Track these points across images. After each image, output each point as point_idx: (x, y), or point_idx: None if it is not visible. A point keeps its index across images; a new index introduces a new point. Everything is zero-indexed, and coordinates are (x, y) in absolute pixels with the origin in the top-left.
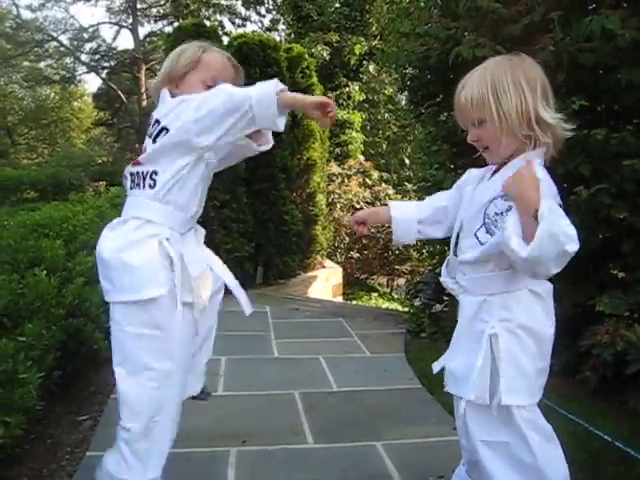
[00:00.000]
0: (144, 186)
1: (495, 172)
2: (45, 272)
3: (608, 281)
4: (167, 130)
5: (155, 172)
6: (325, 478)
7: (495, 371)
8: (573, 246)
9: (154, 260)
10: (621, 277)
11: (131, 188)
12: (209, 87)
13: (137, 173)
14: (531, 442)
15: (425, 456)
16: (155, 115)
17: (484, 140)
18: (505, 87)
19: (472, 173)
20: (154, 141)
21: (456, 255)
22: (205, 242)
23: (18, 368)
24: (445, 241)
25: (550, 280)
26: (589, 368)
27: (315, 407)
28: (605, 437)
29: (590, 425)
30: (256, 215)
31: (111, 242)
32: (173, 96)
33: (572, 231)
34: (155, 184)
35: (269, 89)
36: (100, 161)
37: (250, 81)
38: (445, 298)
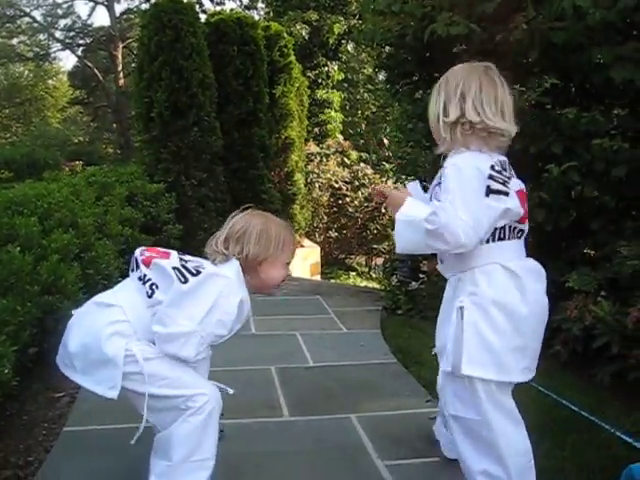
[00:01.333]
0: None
1: None
2: (19, 249)
3: (579, 258)
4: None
5: (156, 285)
6: (300, 449)
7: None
8: (430, 224)
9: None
10: (591, 254)
11: (132, 270)
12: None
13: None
14: (491, 419)
15: (398, 427)
16: (206, 267)
17: None
18: (437, 89)
19: None
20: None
21: None
22: (183, 221)
23: None
24: None
25: (539, 260)
26: (560, 343)
27: (291, 381)
28: (572, 407)
29: (558, 397)
30: (234, 194)
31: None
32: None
33: (431, 214)
34: (152, 295)
35: None
36: (76, 141)
37: (227, 59)
38: (421, 276)
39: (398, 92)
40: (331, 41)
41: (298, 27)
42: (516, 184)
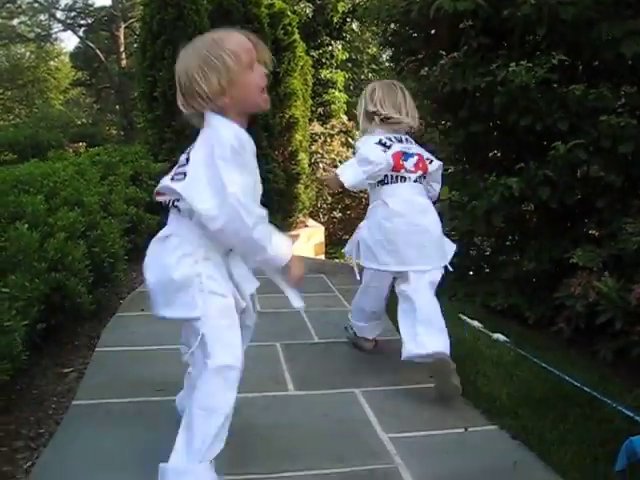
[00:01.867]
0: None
1: None
2: (27, 226)
3: (583, 237)
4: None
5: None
6: (305, 422)
7: None
8: (354, 157)
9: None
10: (595, 234)
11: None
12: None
13: None
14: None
15: (402, 402)
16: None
17: None
18: (362, 94)
19: None
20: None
21: None
22: None
23: (2, 317)
24: None
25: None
26: (563, 319)
27: (296, 357)
28: (574, 383)
29: (561, 373)
30: None
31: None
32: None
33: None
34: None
35: (279, 261)
36: (79, 122)
37: None
38: None
39: (403, 70)
40: (335, 20)
41: (302, 5)
42: (396, 148)
